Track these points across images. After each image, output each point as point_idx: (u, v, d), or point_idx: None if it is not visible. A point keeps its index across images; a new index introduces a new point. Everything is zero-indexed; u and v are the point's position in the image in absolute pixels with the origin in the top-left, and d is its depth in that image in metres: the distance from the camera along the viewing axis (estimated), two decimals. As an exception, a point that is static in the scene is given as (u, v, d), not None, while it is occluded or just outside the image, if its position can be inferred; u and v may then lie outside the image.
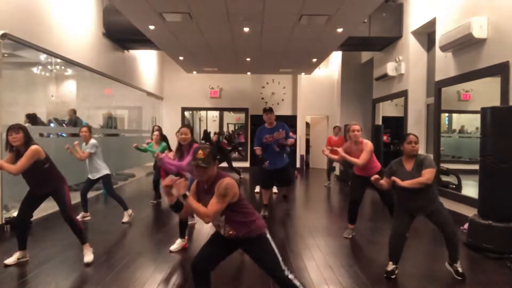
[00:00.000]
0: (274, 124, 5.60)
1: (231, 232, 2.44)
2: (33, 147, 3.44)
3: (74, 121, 7.51)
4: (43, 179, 3.59)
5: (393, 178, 3.33)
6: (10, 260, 3.65)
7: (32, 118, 6.67)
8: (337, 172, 10.69)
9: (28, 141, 3.46)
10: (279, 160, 5.58)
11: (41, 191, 3.64)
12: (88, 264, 3.66)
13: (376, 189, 4.73)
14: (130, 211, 5.48)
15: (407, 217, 3.45)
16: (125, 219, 5.38)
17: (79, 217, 5.06)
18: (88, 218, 5.49)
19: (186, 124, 4.19)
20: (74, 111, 7.75)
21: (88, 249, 3.77)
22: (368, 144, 4.54)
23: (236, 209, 2.41)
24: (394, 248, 3.48)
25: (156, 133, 6.16)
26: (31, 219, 3.76)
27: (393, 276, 3.42)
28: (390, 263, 3.49)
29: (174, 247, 4.17)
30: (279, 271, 2.40)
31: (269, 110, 5.60)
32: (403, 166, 3.41)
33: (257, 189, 7.91)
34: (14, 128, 3.43)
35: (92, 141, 5.22)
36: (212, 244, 2.56)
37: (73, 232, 3.73)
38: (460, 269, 3.44)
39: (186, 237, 4.28)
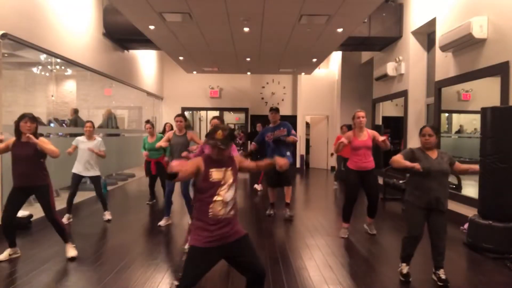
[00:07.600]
0: (277, 123, 5.70)
1: (233, 212, 2.33)
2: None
3: (75, 120, 7.49)
4: (38, 170, 3.68)
5: (471, 167, 3.42)
6: (1, 257, 3.72)
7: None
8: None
9: (36, 132, 3.71)
10: None
11: (31, 182, 3.66)
12: (73, 258, 3.75)
13: (364, 187, 4.71)
14: (109, 212, 5.48)
15: (422, 218, 3.32)
16: (107, 217, 5.41)
17: (64, 220, 5.02)
18: (71, 220, 5.31)
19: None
20: (75, 111, 7.73)
21: (71, 246, 3.87)
22: (375, 132, 4.67)
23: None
24: (409, 250, 3.38)
25: (148, 125, 6.65)
26: (29, 219, 3.78)
27: (410, 279, 3.33)
28: (404, 265, 3.40)
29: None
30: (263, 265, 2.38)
31: (274, 110, 5.73)
32: (427, 155, 3.31)
33: (257, 186, 8.45)
34: (30, 118, 3.61)
35: (98, 138, 5.38)
36: (199, 262, 2.29)
37: (56, 231, 3.83)
38: (443, 276, 3.29)
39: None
